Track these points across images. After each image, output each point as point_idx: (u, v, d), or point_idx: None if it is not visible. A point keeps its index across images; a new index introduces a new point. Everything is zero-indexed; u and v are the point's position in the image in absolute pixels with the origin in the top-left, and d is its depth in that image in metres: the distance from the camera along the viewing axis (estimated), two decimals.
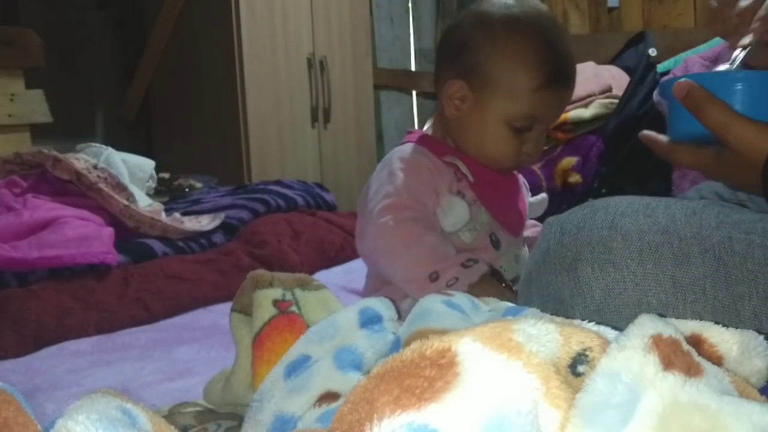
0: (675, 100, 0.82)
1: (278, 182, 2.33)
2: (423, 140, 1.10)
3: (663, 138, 0.86)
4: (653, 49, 2.51)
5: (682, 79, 0.80)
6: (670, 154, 0.85)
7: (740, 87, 0.79)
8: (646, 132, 0.89)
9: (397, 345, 0.65)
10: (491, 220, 1.09)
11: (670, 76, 2.44)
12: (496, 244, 1.08)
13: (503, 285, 1.03)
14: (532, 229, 1.21)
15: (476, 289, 0.95)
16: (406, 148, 1.09)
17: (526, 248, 1.14)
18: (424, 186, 1.04)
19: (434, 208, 1.05)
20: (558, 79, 1.04)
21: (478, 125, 1.06)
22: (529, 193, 1.22)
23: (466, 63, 1.06)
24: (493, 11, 1.06)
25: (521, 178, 1.20)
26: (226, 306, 0.91)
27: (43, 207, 1.69)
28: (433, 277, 0.98)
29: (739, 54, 1.00)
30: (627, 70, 2.60)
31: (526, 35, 1.04)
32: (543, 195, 1.23)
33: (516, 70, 1.03)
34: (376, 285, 1.09)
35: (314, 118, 3.10)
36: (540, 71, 1.03)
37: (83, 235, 1.58)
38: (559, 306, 0.72)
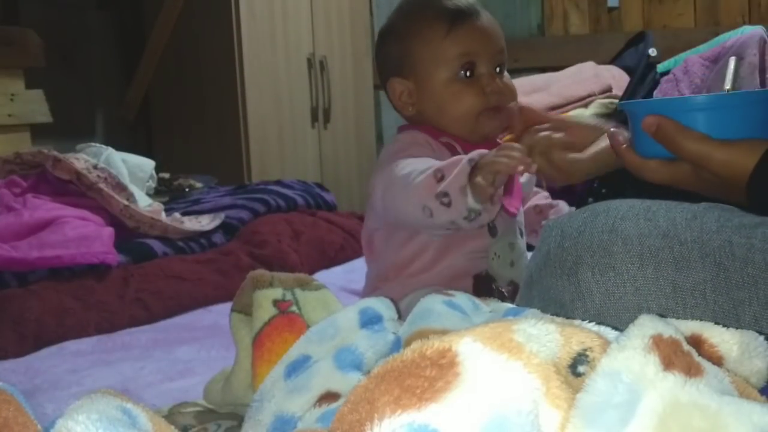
0: (638, 122, 0.82)
1: (278, 182, 2.33)
2: (416, 127, 1.13)
3: (632, 151, 0.85)
4: (653, 49, 2.51)
5: (649, 115, 0.80)
6: (641, 170, 0.84)
7: (704, 110, 0.79)
8: (617, 135, 0.87)
9: (397, 345, 0.65)
10: None
11: (670, 76, 2.45)
12: (492, 230, 1.08)
13: (495, 290, 1.04)
14: (538, 196, 1.23)
15: (482, 160, 0.93)
16: (403, 135, 1.13)
17: (522, 238, 1.14)
18: (425, 154, 1.06)
19: None
20: (459, 15, 1.08)
21: (434, 103, 1.09)
22: None
23: (393, 62, 1.12)
24: (389, 19, 1.16)
25: None
26: (226, 306, 0.91)
27: (43, 207, 1.69)
28: (438, 176, 0.96)
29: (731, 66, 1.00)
30: (627, 70, 2.60)
31: (415, 9, 1.12)
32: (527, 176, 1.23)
33: (424, 36, 1.09)
34: (376, 284, 1.09)
35: (314, 118, 3.10)
36: (439, 20, 1.08)
37: (83, 235, 1.58)
38: (560, 310, 0.72)
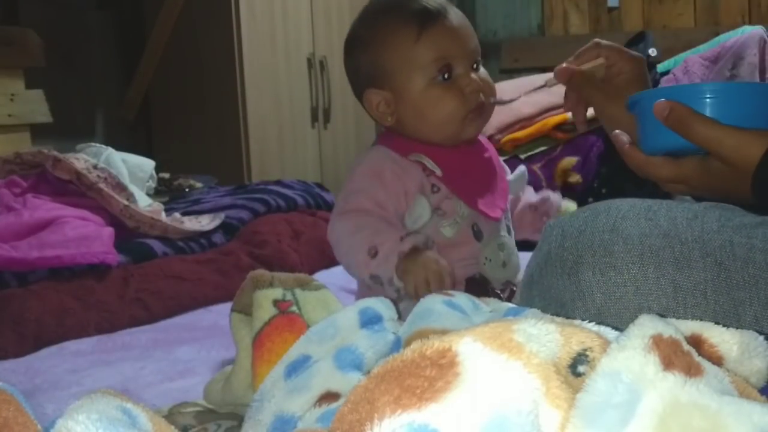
0: (646, 114, 0.82)
1: (278, 182, 2.33)
2: (388, 141, 1.10)
3: (636, 149, 0.84)
4: (653, 49, 2.51)
5: (661, 99, 0.79)
6: (646, 167, 0.83)
7: (711, 98, 0.79)
8: (621, 136, 0.86)
9: (397, 345, 0.65)
10: (471, 211, 1.07)
11: (670, 76, 2.45)
12: (478, 235, 1.07)
13: (490, 291, 1.03)
14: (537, 195, 1.21)
15: (409, 263, 0.94)
16: (372, 153, 1.10)
17: (511, 235, 1.12)
18: (387, 192, 1.04)
19: (402, 210, 1.05)
20: (428, 17, 1.05)
21: (414, 111, 1.06)
22: (509, 172, 1.19)
23: (365, 73, 1.09)
24: (351, 29, 1.13)
25: (497, 160, 1.17)
26: (226, 306, 0.91)
27: (43, 207, 1.69)
28: (372, 253, 0.97)
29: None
30: None
31: (379, 15, 1.09)
32: (521, 168, 1.21)
33: (393, 42, 1.05)
34: (367, 292, 1.08)
35: (314, 118, 3.10)
36: (408, 24, 1.05)
37: (83, 235, 1.58)
38: (560, 309, 0.72)
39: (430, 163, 1.06)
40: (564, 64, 1.01)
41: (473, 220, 1.07)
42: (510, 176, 1.18)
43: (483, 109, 1.08)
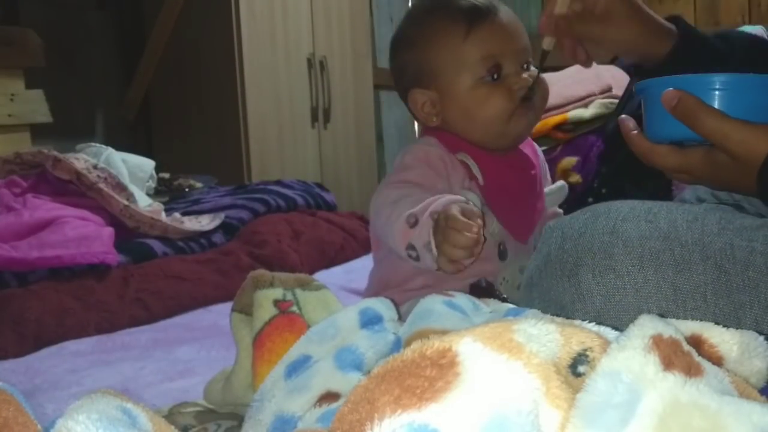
0: (654, 102, 0.81)
1: (278, 182, 2.33)
2: (437, 134, 1.07)
3: (642, 137, 0.83)
4: None
5: (670, 88, 0.78)
6: (650, 155, 0.82)
7: (720, 89, 0.78)
8: (627, 121, 0.85)
9: (397, 345, 0.65)
10: (502, 230, 1.04)
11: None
12: (502, 254, 1.03)
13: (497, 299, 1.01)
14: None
15: (441, 226, 0.87)
16: (424, 142, 1.07)
17: None
18: (434, 172, 1.01)
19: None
20: (477, 14, 1.02)
21: (461, 110, 1.03)
22: (549, 181, 1.16)
23: (411, 73, 1.06)
24: (399, 27, 1.09)
25: (544, 172, 1.13)
26: (226, 306, 0.91)
27: (43, 207, 1.69)
28: (412, 222, 0.91)
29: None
30: (627, 70, 2.60)
31: (427, 14, 1.05)
32: (560, 183, 1.17)
33: (440, 41, 1.03)
34: (377, 290, 1.06)
35: (314, 118, 3.10)
36: (455, 23, 1.02)
37: (83, 235, 1.58)
38: (560, 311, 0.72)
39: (475, 168, 1.03)
40: (542, 18, 0.99)
41: (502, 238, 1.04)
42: (548, 188, 1.14)
43: (531, 104, 1.04)
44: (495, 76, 1.02)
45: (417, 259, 0.91)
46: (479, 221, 0.86)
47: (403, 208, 0.93)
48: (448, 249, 0.86)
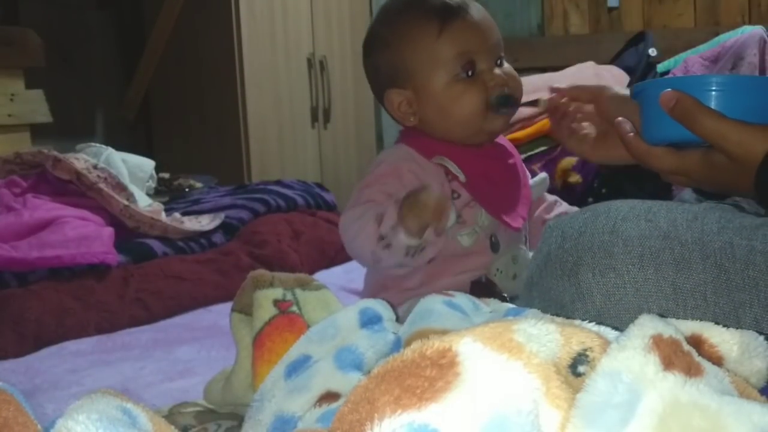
0: (651, 103, 0.81)
1: (278, 182, 2.33)
2: (411, 140, 1.07)
3: (639, 139, 0.83)
4: (653, 49, 2.51)
5: (668, 89, 0.79)
6: (647, 157, 0.83)
7: (717, 90, 0.78)
8: (624, 124, 0.85)
9: (397, 345, 0.65)
10: (492, 221, 1.05)
11: (670, 76, 2.44)
12: (495, 246, 1.04)
13: (497, 295, 1.01)
14: (546, 206, 1.18)
15: (406, 206, 0.89)
16: (394, 152, 1.08)
17: (526, 248, 1.10)
18: (405, 189, 1.00)
19: None
20: (449, 12, 1.03)
21: (437, 108, 1.04)
22: (530, 176, 1.16)
23: (385, 73, 1.07)
24: (371, 28, 1.11)
25: (521, 166, 1.14)
26: (226, 306, 0.91)
27: (43, 207, 1.69)
28: (378, 219, 0.93)
29: None
30: (627, 70, 2.60)
31: (398, 13, 1.06)
32: (543, 175, 1.18)
33: (413, 40, 1.03)
34: (374, 292, 1.06)
35: (314, 118, 3.10)
36: (428, 21, 1.03)
37: (83, 235, 1.58)
38: (560, 311, 0.72)
39: (453, 168, 1.03)
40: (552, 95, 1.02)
41: (492, 230, 1.05)
42: (531, 181, 1.14)
43: (507, 104, 1.05)
44: (469, 73, 1.03)
45: (388, 246, 0.92)
46: (435, 186, 0.89)
47: (368, 216, 0.95)
48: (413, 218, 0.88)
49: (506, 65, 1.06)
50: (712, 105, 0.78)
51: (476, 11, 1.05)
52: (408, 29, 1.04)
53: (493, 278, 1.04)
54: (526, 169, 1.15)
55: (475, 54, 1.03)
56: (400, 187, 1.00)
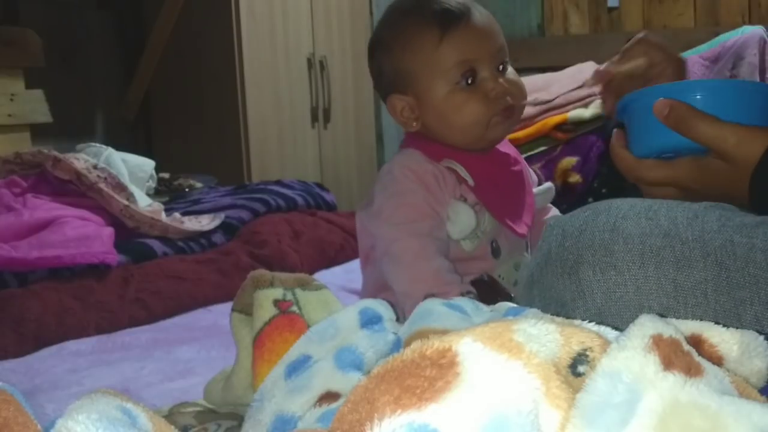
0: (639, 115, 0.81)
1: (278, 182, 2.33)
2: (420, 145, 1.07)
3: (627, 151, 0.83)
4: None
5: (659, 98, 0.79)
6: (636, 171, 0.82)
7: (706, 95, 0.78)
8: (619, 136, 0.85)
9: (397, 345, 0.65)
10: (495, 227, 1.04)
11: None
12: (496, 252, 1.04)
13: (501, 292, 1.01)
14: (551, 213, 1.17)
15: None
16: (409, 157, 1.06)
17: (529, 253, 1.10)
18: (434, 194, 1.02)
19: (444, 216, 1.02)
20: (451, 18, 1.01)
21: (438, 116, 1.03)
22: (535, 183, 1.16)
23: (388, 77, 1.06)
24: (375, 29, 1.10)
25: (527, 170, 1.14)
26: (226, 306, 0.91)
27: (43, 207, 1.69)
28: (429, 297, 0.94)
29: None
30: None
31: (401, 17, 1.05)
32: (548, 184, 1.18)
33: (414, 46, 1.02)
34: (372, 293, 1.06)
35: (314, 118, 3.10)
36: (429, 28, 1.01)
37: (83, 235, 1.58)
38: (561, 309, 0.72)
39: (463, 171, 1.03)
40: (604, 65, 0.97)
41: (494, 236, 1.04)
42: (536, 189, 1.14)
43: (510, 112, 1.04)
44: (470, 81, 1.01)
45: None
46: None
47: (422, 274, 0.95)
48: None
49: (510, 70, 1.05)
50: (706, 108, 0.78)
51: (479, 16, 1.03)
52: (409, 36, 1.03)
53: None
54: (531, 177, 1.15)
55: (477, 62, 1.01)
56: (433, 199, 1.00)
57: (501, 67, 1.04)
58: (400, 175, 1.03)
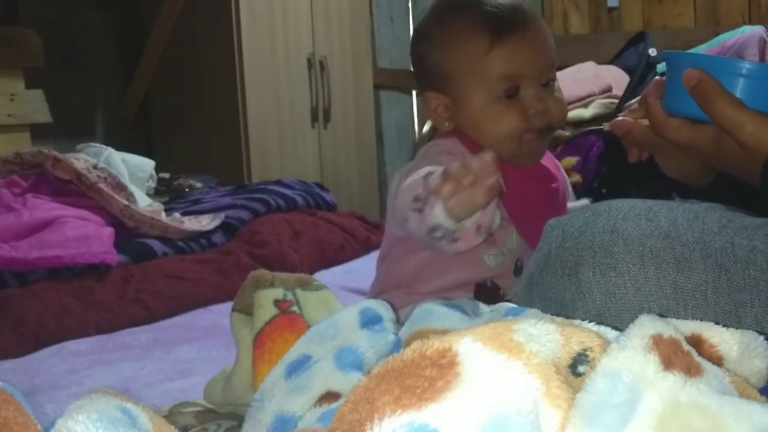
0: (676, 75, 0.80)
1: (278, 182, 2.33)
2: (458, 136, 1.03)
3: (660, 107, 0.82)
4: (653, 49, 2.51)
5: (693, 68, 0.78)
6: (663, 127, 0.82)
7: (746, 77, 0.77)
8: (653, 86, 0.84)
9: (397, 345, 0.65)
10: (521, 245, 1.01)
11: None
12: (518, 270, 1.00)
13: (500, 299, 0.99)
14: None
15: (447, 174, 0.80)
16: (447, 142, 1.02)
17: None
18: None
19: None
20: (504, 27, 0.97)
21: (472, 122, 1.00)
22: (572, 197, 1.12)
23: (427, 71, 1.03)
24: (424, 17, 1.05)
25: (566, 186, 1.09)
26: (226, 306, 0.91)
27: (43, 207, 1.69)
28: (416, 207, 0.85)
29: None
30: (627, 70, 2.60)
31: (452, 13, 1.00)
32: (584, 201, 1.14)
33: (460, 49, 0.98)
34: (384, 287, 1.05)
35: (314, 119, 3.10)
36: (479, 33, 0.97)
37: (83, 235, 1.58)
38: (561, 310, 0.72)
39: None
40: (620, 117, 0.93)
41: (519, 254, 1.01)
42: (571, 204, 1.09)
43: (546, 131, 1.01)
44: (510, 95, 0.98)
45: (419, 210, 0.85)
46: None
47: (420, 173, 0.88)
48: (457, 197, 0.80)
49: (555, 86, 1.01)
50: (737, 90, 0.77)
51: (535, 27, 0.99)
52: (456, 37, 0.99)
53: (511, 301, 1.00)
54: (569, 194, 1.11)
55: (521, 78, 0.97)
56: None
57: (547, 82, 1.00)
58: (435, 153, 1.00)
